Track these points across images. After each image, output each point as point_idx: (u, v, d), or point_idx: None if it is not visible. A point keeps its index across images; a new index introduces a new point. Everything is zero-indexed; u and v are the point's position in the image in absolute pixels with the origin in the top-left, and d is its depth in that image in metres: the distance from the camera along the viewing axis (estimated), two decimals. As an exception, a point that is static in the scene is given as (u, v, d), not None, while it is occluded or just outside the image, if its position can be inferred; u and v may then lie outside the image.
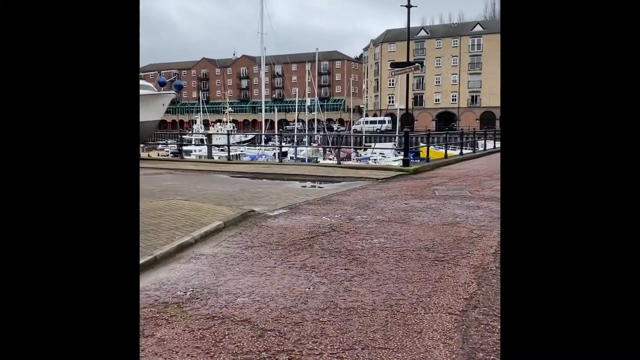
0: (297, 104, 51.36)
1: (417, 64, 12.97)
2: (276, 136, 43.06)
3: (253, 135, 55.75)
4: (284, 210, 7.34)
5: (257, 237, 5.65)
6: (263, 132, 46.62)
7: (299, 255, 4.85)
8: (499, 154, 20.66)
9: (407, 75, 13.94)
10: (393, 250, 4.99)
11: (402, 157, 41.04)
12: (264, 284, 4.02)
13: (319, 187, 10.84)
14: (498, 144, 24.13)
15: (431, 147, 42.25)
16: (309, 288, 3.91)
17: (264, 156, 39.58)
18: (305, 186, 10.82)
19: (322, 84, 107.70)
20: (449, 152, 17.53)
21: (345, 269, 4.40)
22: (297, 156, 45.91)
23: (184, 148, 35.13)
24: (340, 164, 14.18)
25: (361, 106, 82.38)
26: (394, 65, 12.94)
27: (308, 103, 48.28)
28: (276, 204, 7.89)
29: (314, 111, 51.66)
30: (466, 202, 7.97)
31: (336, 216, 6.87)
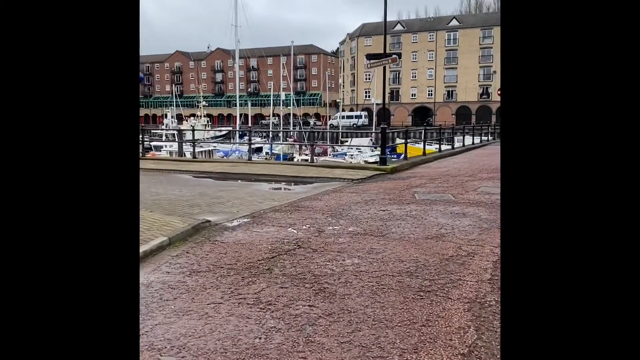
0: (272, 98, 50.06)
1: (394, 56, 12.13)
2: (248, 132, 42.01)
3: (227, 131, 54.36)
4: (245, 220, 6.40)
5: (206, 258, 4.70)
6: (237, 127, 45.34)
7: (253, 285, 3.93)
8: (478, 151, 20.03)
9: (384, 69, 13.09)
10: (369, 276, 4.11)
11: (378, 154, 40.54)
12: (201, 332, 3.09)
13: (289, 189, 9.92)
14: (477, 140, 23.63)
15: (409, 142, 41.68)
16: (259, 339, 3.00)
17: (237, 152, 38.39)
18: (273, 188, 9.89)
19: (298, 77, 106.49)
20: (427, 147, 16.82)
21: (309, 306, 3.49)
22: (273, 152, 44.82)
23: (154, 144, 33.63)
24: (314, 162, 13.28)
25: (337, 101, 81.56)
26: (370, 56, 12.06)
27: (283, 97, 47.15)
28: (237, 211, 6.94)
29: (290, 105, 50.56)
30: (450, 207, 7.17)
31: (304, 227, 5.96)
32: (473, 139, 21.60)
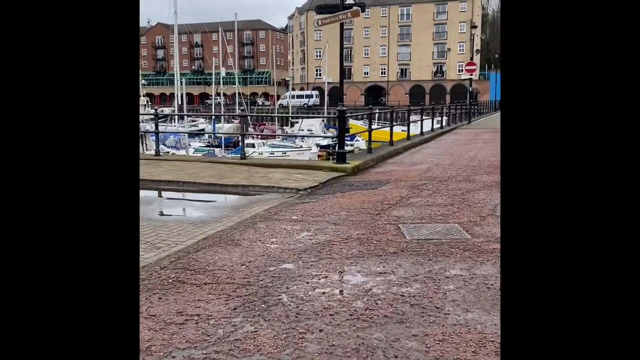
0: (213, 77, 45.31)
1: (356, 8, 8.56)
2: (176, 116, 37.31)
3: (168, 112, 49.30)
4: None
5: None
6: (175, 109, 40.59)
7: None
8: (450, 137, 16.77)
9: (341, 34, 9.56)
10: None
11: (332, 139, 36.81)
12: None
13: (188, 216, 6.25)
14: (434, 122, 20.50)
15: (358, 123, 37.94)
16: None
17: (175, 136, 33.99)
18: (162, 213, 6.24)
19: (246, 55, 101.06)
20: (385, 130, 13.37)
21: None
22: (215, 135, 40.37)
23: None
24: (244, 158, 9.62)
25: (287, 79, 77.24)
26: (321, 9, 8.46)
27: (223, 74, 42.58)
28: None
29: (235, 84, 46.09)
30: (478, 268, 3.81)
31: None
32: (432, 121, 18.35)
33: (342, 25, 9.23)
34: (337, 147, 9.09)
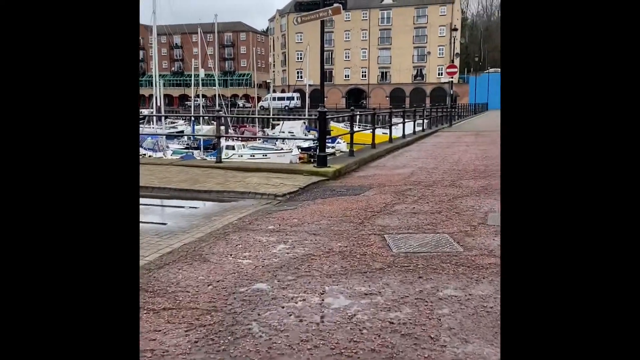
0: (193, 78, 44.40)
1: (337, 5, 8.15)
2: (154, 118, 36.38)
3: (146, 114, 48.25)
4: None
5: None
6: (154, 109, 39.67)
7: None
8: (432, 139, 16.48)
9: (322, 35, 9.16)
10: None
11: (313, 142, 36.53)
12: None
13: (154, 224, 5.72)
14: (413, 125, 20.31)
15: (339, 125, 37.53)
16: None
17: (153, 137, 33.20)
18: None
19: (226, 57, 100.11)
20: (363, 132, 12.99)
21: None
22: (195, 137, 39.56)
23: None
24: (220, 161, 9.11)
25: (268, 81, 76.57)
26: (301, 6, 8.02)
27: (202, 75, 41.84)
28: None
29: (215, 85, 45.30)
30: (473, 287, 3.42)
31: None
32: (414, 125, 17.98)
33: (322, 26, 8.83)
34: (317, 150, 8.66)
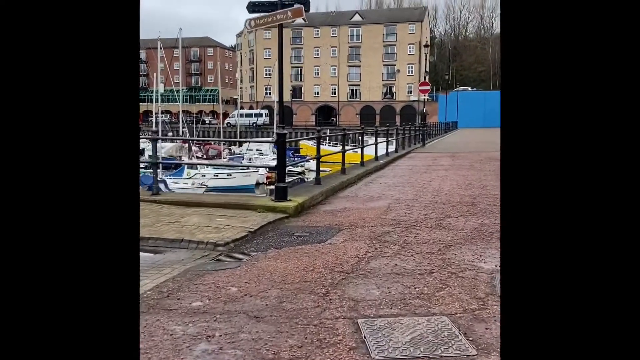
0: (154, 94, 42.33)
1: (298, 6, 6.74)
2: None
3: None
4: None
5: None
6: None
7: None
8: (405, 162, 14.66)
9: (280, 48, 7.73)
10: None
11: (271, 167, 35.08)
12: None
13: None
14: (386, 146, 19.15)
15: (309, 143, 36.16)
16: None
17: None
18: None
19: (193, 72, 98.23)
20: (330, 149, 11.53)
21: None
22: (159, 155, 37.42)
23: None
24: (157, 193, 7.51)
25: (235, 97, 74.90)
26: (255, 6, 6.60)
27: (161, 90, 39.98)
28: None
29: (179, 102, 43.36)
30: None
31: None
32: (387, 146, 16.64)
33: (281, 31, 7.43)
34: (276, 181, 7.18)
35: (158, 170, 26.46)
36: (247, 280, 4.05)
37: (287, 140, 18.57)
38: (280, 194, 7.04)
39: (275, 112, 52.59)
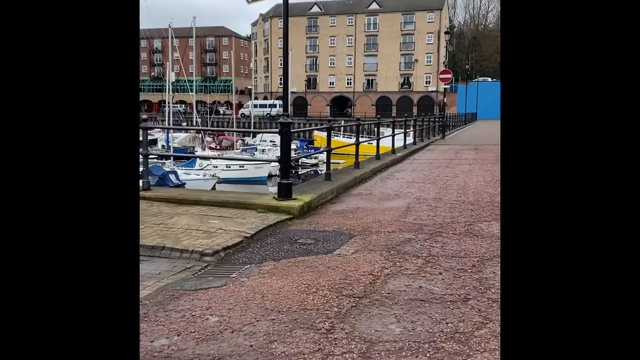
0: (168, 84, 41.63)
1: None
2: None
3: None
4: None
5: None
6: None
7: None
8: (424, 155, 12.80)
9: (286, 29, 6.82)
10: None
11: (296, 151, 34.13)
12: None
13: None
14: (404, 138, 18.18)
15: (334, 136, 35.70)
16: None
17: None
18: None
19: (208, 62, 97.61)
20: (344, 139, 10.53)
21: None
22: (168, 145, 36.89)
23: None
24: (148, 189, 6.68)
25: (249, 87, 74.07)
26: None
27: (173, 79, 39.33)
28: None
29: (193, 92, 42.72)
30: None
31: None
32: (404, 136, 15.65)
33: (286, 5, 6.51)
34: (279, 177, 6.30)
35: (167, 161, 25.60)
36: (232, 305, 3.20)
37: (298, 130, 17.59)
38: (284, 191, 6.17)
39: (290, 102, 51.71)
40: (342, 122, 42.42)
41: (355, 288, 3.48)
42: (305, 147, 40.60)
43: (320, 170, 26.70)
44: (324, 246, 4.60)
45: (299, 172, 31.70)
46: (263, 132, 28.84)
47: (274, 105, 64.00)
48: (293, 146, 38.90)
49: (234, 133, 46.56)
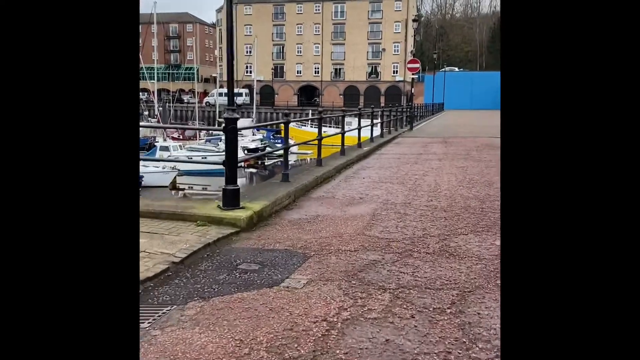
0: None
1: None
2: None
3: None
4: None
5: None
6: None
7: None
8: (392, 149, 9.54)
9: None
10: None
11: (262, 141, 32.76)
12: None
13: None
14: (371, 130, 17.44)
15: (301, 126, 34.33)
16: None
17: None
18: None
19: (172, 49, 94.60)
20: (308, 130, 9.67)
21: None
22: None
23: None
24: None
25: (215, 75, 72.01)
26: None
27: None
28: None
29: (163, 79, 40.77)
30: None
31: None
32: (372, 129, 14.84)
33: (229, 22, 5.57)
34: (225, 181, 5.37)
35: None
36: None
37: (253, 126, 16.47)
38: (230, 200, 5.25)
39: (256, 91, 50.32)
40: (310, 112, 41.11)
41: (302, 346, 2.63)
42: (272, 137, 39.45)
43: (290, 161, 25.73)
44: (270, 274, 3.73)
45: (266, 164, 30.62)
46: (206, 130, 27.32)
47: (240, 94, 62.39)
48: (259, 136, 37.70)
49: (197, 122, 45.01)
